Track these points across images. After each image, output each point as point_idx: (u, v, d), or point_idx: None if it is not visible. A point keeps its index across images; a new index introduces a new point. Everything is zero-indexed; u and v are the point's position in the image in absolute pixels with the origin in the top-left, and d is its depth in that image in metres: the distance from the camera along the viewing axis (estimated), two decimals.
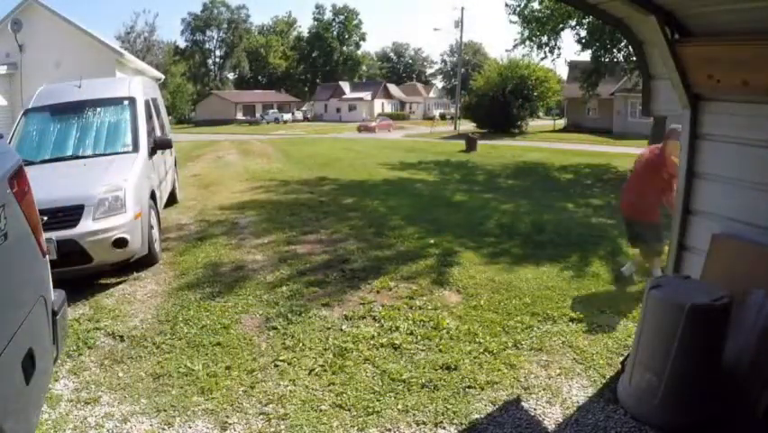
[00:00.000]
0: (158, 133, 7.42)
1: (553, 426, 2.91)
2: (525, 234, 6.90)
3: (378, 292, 4.79)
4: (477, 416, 2.98)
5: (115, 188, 5.06)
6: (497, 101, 32.58)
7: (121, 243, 4.87)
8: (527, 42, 17.01)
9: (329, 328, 4.05)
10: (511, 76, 33.19)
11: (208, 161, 16.75)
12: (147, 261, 5.40)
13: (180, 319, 4.22)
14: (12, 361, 1.84)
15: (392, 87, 68.15)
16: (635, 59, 9.20)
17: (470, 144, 21.19)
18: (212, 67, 77.97)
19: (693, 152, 3.30)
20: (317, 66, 78.71)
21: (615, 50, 15.52)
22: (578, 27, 15.73)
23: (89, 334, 3.98)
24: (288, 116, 56.01)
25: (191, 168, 14.12)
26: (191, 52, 73.65)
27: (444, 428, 2.89)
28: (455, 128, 36.98)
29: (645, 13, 2.99)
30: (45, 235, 2.47)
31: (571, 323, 4.15)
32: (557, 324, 4.14)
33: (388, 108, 63.02)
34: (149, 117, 6.84)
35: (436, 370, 3.43)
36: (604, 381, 3.32)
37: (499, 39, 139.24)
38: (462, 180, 12.80)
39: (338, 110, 61.10)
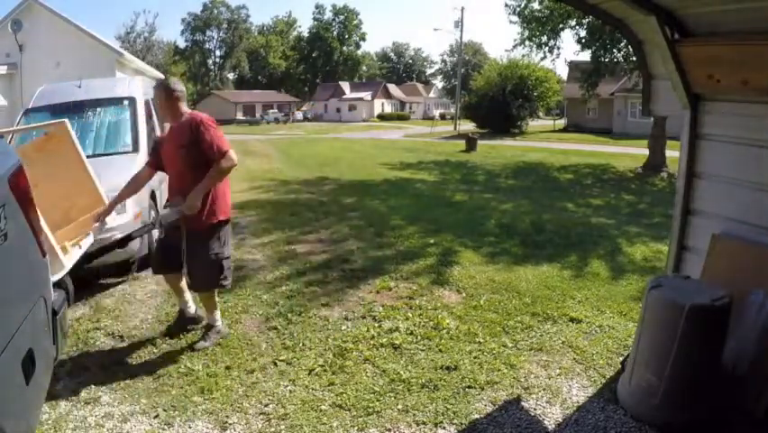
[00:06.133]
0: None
1: (553, 426, 2.91)
2: (524, 234, 6.90)
3: (378, 292, 4.79)
4: (477, 416, 2.98)
5: (115, 189, 5.04)
6: (497, 101, 32.55)
7: (121, 243, 4.86)
8: (527, 42, 17.03)
9: (329, 328, 4.06)
10: (511, 76, 33.17)
11: None
12: (147, 261, 5.39)
13: None
14: (12, 361, 1.84)
15: (392, 87, 68.08)
16: (635, 59, 9.20)
17: (470, 144, 21.20)
18: (212, 67, 77.91)
19: (693, 152, 3.30)
20: (317, 66, 78.64)
21: (615, 50, 15.52)
22: (578, 27, 15.74)
23: (89, 334, 3.98)
24: (280, 116, 55.07)
25: None
26: (191, 52, 73.59)
27: (444, 428, 2.89)
28: (455, 128, 36.94)
29: (645, 13, 2.99)
30: None
31: (571, 323, 4.15)
32: (557, 324, 4.14)
33: (389, 108, 62.99)
34: (149, 117, 6.84)
35: (436, 370, 3.43)
36: (604, 381, 3.32)
37: (499, 39, 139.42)
38: (462, 180, 12.80)
39: (338, 110, 61.03)
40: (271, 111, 56.69)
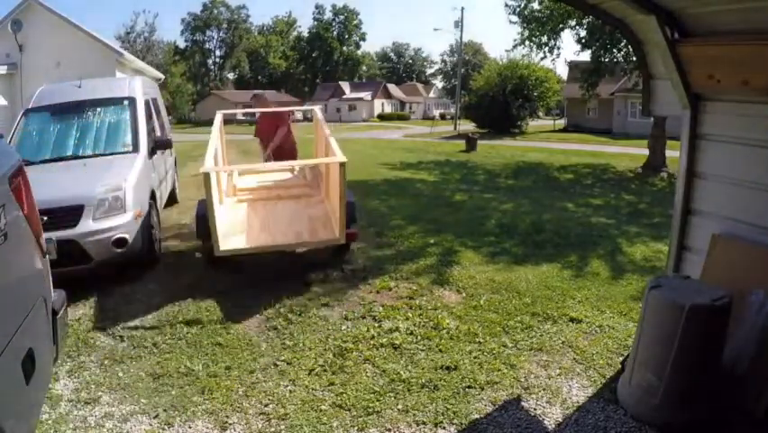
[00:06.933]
0: (158, 133, 7.42)
1: (553, 426, 2.91)
2: (524, 234, 6.90)
3: (378, 292, 4.79)
4: (477, 416, 2.98)
5: (115, 188, 5.06)
6: (497, 101, 32.54)
7: (121, 243, 4.87)
8: (527, 42, 16.99)
9: (329, 328, 4.06)
10: (511, 76, 33.16)
11: None
12: (147, 261, 5.40)
13: (180, 319, 4.22)
14: (12, 361, 1.84)
15: (392, 87, 68.08)
16: (635, 59, 9.19)
17: (470, 144, 21.18)
18: (212, 67, 77.92)
19: (693, 152, 3.30)
20: (317, 66, 78.68)
21: (615, 50, 15.51)
22: (578, 27, 15.72)
23: (89, 334, 3.98)
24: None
25: (191, 168, 14.09)
26: (191, 52, 73.60)
27: (444, 428, 2.89)
28: (455, 128, 36.93)
29: (645, 13, 2.99)
30: (45, 235, 2.47)
31: (571, 323, 4.15)
32: (557, 324, 4.14)
33: (389, 108, 62.99)
34: (149, 117, 6.84)
35: (436, 370, 3.43)
36: (604, 381, 3.32)
37: (499, 39, 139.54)
38: (462, 180, 12.80)
39: (338, 110, 61.01)
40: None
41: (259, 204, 6.05)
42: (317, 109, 7.35)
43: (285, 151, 6.80)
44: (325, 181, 5.95)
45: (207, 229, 4.84)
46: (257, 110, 7.52)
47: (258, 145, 7.49)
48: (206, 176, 4.67)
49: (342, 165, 4.85)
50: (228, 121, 6.77)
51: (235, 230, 5.28)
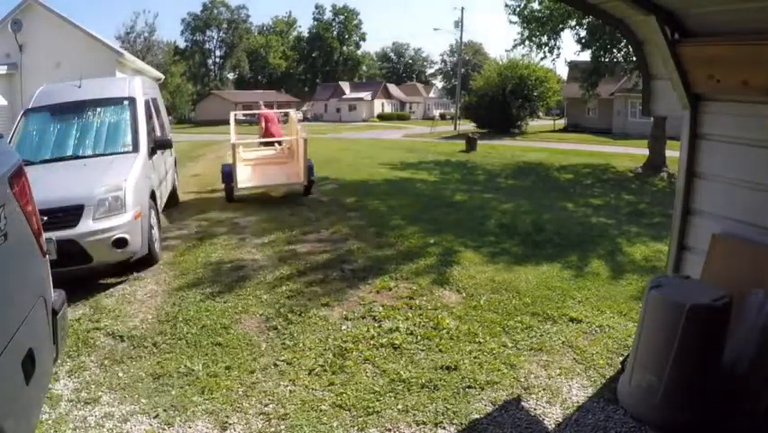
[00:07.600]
0: (158, 133, 7.42)
1: (553, 426, 2.91)
2: (524, 234, 6.90)
3: (378, 292, 4.79)
4: (477, 416, 2.98)
5: (115, 189, 5.06)
6: (496, 101, 32.55)
7: (121, 243, 4.87)
8: (527, 42, 17.01)
9: (329, 328, 4.06)
10: (511, 76, 33.16)
11: (208, 161, 16.72)
12: (147, 261, 5.40)
13: (180, 319, 4.22)
14: (12, 361, 1.84)
15: (392, 87, 68.02)
16: (635, 59, 9.20)
17: (470, 144, 21.18)
18: (212, 67, 77.88)
19: (693, 152, 3.30)
20: (317, 66, 78.69)
21: (615, 50, 15.52)
22: (578, 27, 15.74)
23: (89, 334, 3.98)
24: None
25: (191, 168, 14.12)
26: (191, 52, 73.55)
27: (444, 428, 2.89)
28: (455, 128, 36.92)
29: (645, 13, 2.99)
30: (45, 235, 2.47)
31: (571, 323, 4.15)
32: (557, 324, 4.14)
33: (389, 108, 62.96)
34: (149, 117, 6.84)
35: (436, 370, 3.43)
36: (604, 381, 3.32)
37: (499, 39, 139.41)
38: (462, 180, 12.80)
39: (338, 110, 61.03)
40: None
41: (257, 166, 10.17)
42: (293, 112, 11.95)
43: (276, 135, 11.07)
44: (296, 152, 9.55)
45: (230, 178, 8.49)
46: (254, 112, 11.86)
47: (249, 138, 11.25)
48: (233, 146, 8.53)
49: (305, 140, 8.65)
50: (228, 121, 10.57)
51: (245, 178, 9.05)
